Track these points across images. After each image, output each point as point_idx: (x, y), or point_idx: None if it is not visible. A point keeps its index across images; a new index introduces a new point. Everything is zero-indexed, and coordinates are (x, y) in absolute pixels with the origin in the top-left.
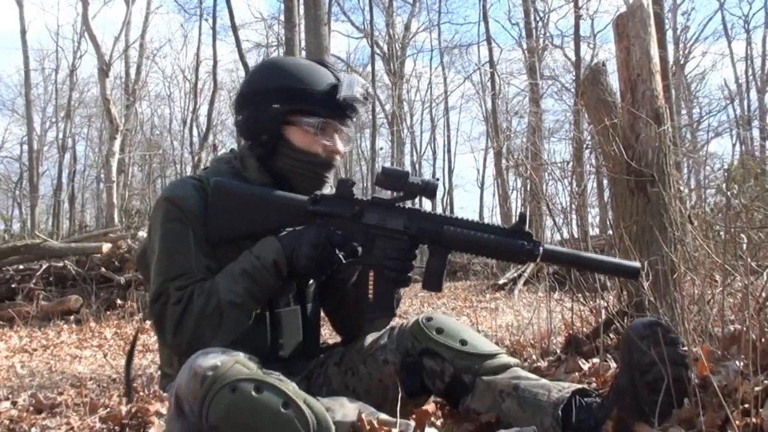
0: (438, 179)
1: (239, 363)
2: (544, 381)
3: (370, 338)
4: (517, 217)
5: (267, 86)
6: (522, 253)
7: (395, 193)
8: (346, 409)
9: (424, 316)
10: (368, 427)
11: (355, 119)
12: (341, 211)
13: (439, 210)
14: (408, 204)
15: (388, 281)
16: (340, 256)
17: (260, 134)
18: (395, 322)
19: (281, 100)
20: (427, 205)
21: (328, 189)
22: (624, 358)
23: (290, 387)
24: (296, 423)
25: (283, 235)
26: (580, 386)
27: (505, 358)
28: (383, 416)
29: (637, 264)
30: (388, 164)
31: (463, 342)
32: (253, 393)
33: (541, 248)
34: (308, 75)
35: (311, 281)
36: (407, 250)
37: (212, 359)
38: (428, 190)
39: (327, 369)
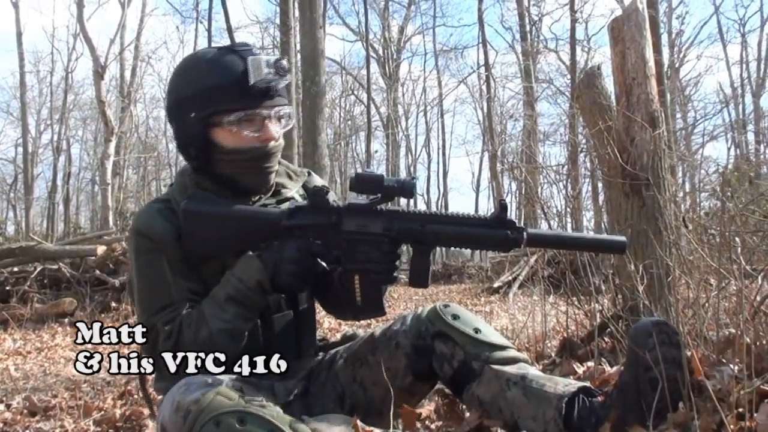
0: (415, 178)
1: (221, 394)
2: (552, 376)
3: (379, 330)
4: (498, 206)
5: (180, 95)
6: (506, 241)
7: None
8: (333, 428)
9: (441, 303)
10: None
11: (282, 95)
12: (318, 221)
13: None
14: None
15: (372, 284)
16: (323, 264)
17: (188, 147)
18: (408, 311)
19: (195, 107)
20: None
21: (275, 177)
22: (629, 355)
23: (274, 413)
24: None
25: (263, 252)
26: (586, 385)
27: (515, 353)
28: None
29: (622, 238)
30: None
31: (477, 330)
32: (237, 425)
33: (524, 234)
34: (215, 72)
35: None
36: (389, 252)
37: (193, 393)
38: (405, 190)
39: (332, 364)
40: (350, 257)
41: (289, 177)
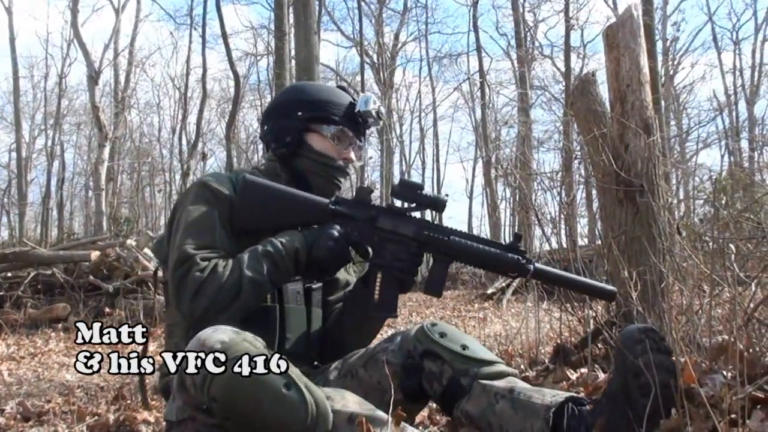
0: (447, 195)
1: (247, 341)
2: (540, 388)
3: (373, 343)
4: (513, 236)
5: (292, 99)
6: (518, 267)
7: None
8: (347, 400)
9: (428, 322)
10: (365, 427)
11: (368, 135)
12: (359, 214)
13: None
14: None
15: (393, 283)
16: (354, 255)
17: (284, 137)
18: (398, 327)
19: (305, 109)
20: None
21: (341, 194)
22: (617, 362)
23: (294, 370)
24: (296, 403)
25: (305, 230)
26: (574, 394)
27: (503, 367)
28: (380, 413)
29: (613, 288)
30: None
31: (464, 347)
32: None
33: (532, 266)
34: (329, 92)
35: (315, 284)
36: (415, 255)
37: (221, 334)
38: (438, 204)
39: (327, 373)
40: (379, 254)
41: None
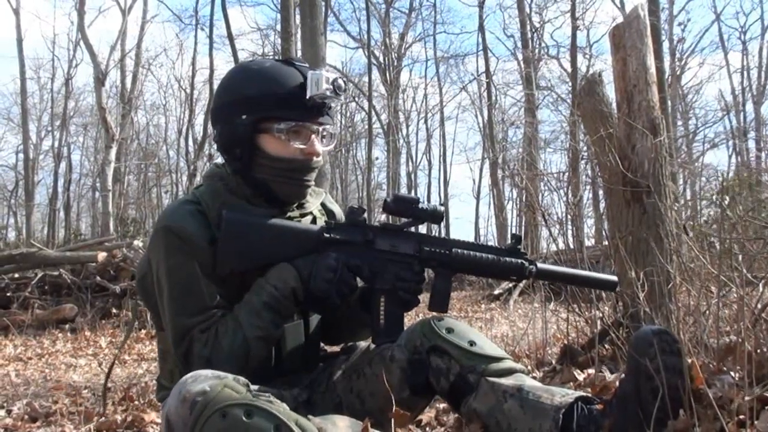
0: (443, 204)
1: (228, 387)
2: (549, 387)
3: None
4: (512, 239)
5: (233, 97)
6: (522, 270)
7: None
8: (338, 428)
9: (434, 316)
10: None
11: (330, 115)
12: (354, 238)
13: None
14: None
15: (398, 306)
16: (356, 281)
17: (234, 148)
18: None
19: (248, 110)
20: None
21: (311, 195)
22: (630, 364)
23: (281, 409)
24: None
25: (298, 261)
26: (584, 394)
27: (511, 363)
28: None
29: (614, 278)
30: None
31: (472, 343)
32: (244, 418)
33: (535, 267)
34: (273, 79)
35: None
36: (418, 273)
37: (201, 384)
38: (436, 216)
39: (331, 375)
40: (380, 276)
41: (309, 193)
